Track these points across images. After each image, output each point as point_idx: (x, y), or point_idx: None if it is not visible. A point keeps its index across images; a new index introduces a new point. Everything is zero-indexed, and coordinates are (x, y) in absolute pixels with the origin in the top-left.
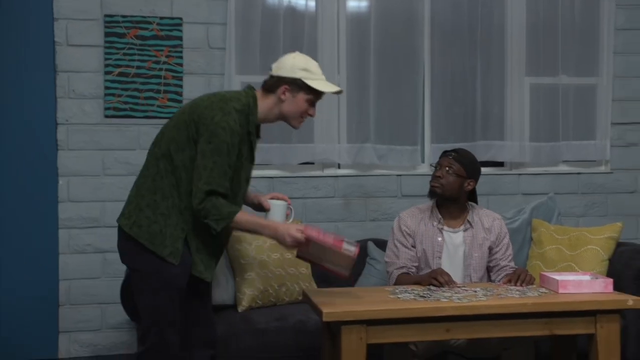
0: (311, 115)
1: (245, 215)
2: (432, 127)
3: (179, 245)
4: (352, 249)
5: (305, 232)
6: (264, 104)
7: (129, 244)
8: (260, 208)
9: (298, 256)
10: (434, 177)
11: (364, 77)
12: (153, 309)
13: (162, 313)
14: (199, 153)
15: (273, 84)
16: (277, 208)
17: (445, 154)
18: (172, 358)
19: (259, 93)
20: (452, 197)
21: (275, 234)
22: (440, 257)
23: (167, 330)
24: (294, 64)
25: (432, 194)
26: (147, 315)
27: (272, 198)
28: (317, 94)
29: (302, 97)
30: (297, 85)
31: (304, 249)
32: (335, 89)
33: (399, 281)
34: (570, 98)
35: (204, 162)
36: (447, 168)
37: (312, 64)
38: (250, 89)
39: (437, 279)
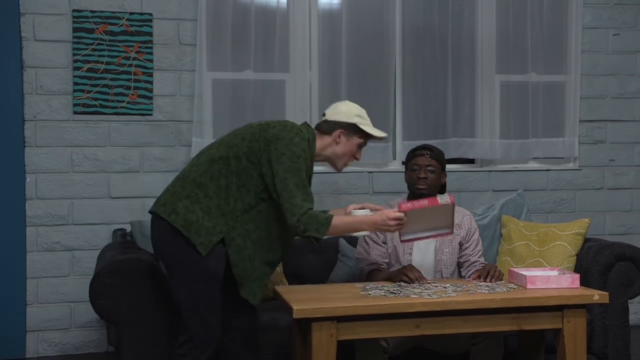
0: (357, 159)
1: (339, 217)
2: (403, 124)
3: (213, 239)
4: (446, 197)
5: (401, 208)
6: (321, 142)
7: (165, 235)
8: None
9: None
10: (419, 179)
11: (336, 75)
12: (193, 298)
13: (201, 300)
14: (285, 171)
15: (329, 127)
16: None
17: (419, 153)
18: (215, 341)
19: (315, 132)
20: (433, 193)
21: (376, 224)
22: (410, 254)
23: (207, 315)
24: (350, 111)
25: (421, 197)
26: (187, 304)
27: (356, 208)
28: (367, 139)
29: (355, 140)
30: (352, 129)
31: (402, 230)
32: (384, 134)
33: (370, 277)
34: (539, 96)
35: (295, 180)
36: (426, 167)
37: (364, 112)
38: (308, 126)
39: (407, 275)
